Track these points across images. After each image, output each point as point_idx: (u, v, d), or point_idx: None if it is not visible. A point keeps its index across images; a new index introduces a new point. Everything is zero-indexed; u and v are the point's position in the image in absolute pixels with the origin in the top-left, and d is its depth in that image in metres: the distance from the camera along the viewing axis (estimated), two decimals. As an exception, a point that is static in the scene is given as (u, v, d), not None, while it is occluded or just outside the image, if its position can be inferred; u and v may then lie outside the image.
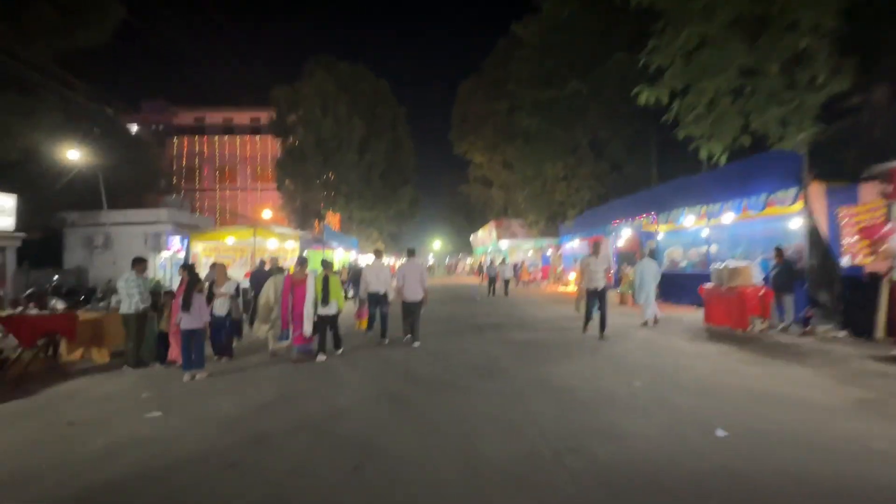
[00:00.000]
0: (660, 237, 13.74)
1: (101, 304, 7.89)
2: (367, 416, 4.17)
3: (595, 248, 7.84)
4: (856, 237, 7.31)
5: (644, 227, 14.44)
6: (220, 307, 6.43)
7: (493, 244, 27.58)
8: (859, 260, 7.33)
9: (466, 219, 42.49)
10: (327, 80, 24.93)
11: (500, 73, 25.12)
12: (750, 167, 9.22)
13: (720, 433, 3.49)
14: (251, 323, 9.48)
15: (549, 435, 3.59)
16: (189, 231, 15.87)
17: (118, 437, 3.85)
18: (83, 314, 6.99)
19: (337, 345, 7.02)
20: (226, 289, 6.50)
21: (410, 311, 7.64)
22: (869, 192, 7.24)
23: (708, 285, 8.64)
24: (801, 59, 6.75)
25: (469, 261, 42.84)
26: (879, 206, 7.03)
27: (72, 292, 10.79)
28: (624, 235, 15.79)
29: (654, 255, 12.04)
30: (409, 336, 7.62)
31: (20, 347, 6.23)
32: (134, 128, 29.10)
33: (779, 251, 7.97)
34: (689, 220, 11.57)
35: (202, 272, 8.79)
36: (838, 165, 8.45)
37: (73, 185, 16.73)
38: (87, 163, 15.56)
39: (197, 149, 37.07)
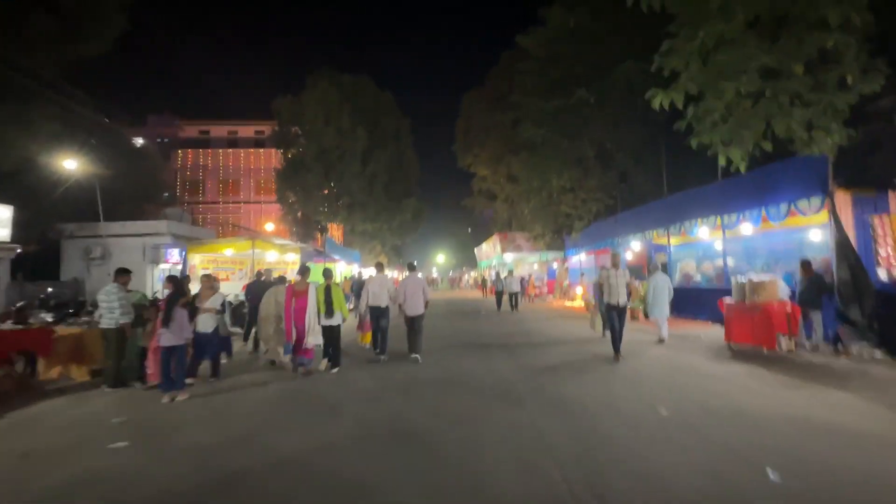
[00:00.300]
0: (672, 250, 13.24)
1: (84, 318, 7.44)
2: (359, 450, 3.67)
3: (615, 261, 7.38)
4: (892, 248, 6.81)
5: (655, 240, 13.95)
6: (205, 324, 5.95)
7: (498, 257, 27.10)
8: (896, 273, 6.82)
9: (470, 232, 42.12)
10: (330, 90, 24.80)
11: (504, 86, 24.97)
12: (770, 175, 8.78)
13: (772, 475, 2.97)
14: (245, 338, 9.05)
15: (571, 474, 3.08)
16: (188, 243, 15.54)
17: (74, 473, 3.37)
18: (62, 329, 6.56)
19: (334, 362, 6.62)
20: (210, 303, 6.04)
21: (413, 325, 7.46)
22: (902, 200, 6.77)
23: (728, 300, 8.10)
24: (827, 58, 6.33)
25: (473, 274, 42.32)
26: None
27: (60, 305, 10.38)
28: (633, 248, 15.28)
29: (666, 268, 11.54)
30: (414, 355, 7.31)
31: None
32: (139, 141, 29.09)
33: (806, 264, 7.45)
34: (703, 231, 11.09)
35: (197, 286, 8.38)
36: (864, 172, 7.99)
37: (72, 197, 16.47)
38: (85, 173, 15.32)
39: (201, 162, 37.11)
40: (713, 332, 9.07)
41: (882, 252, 6.99)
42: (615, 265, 7.28)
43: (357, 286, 14.04)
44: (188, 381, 5.70)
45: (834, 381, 5.36)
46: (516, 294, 16.46)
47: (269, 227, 29.62)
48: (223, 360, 7.03)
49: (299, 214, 26.75)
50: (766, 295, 7.43)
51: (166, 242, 17.46)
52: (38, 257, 16.22)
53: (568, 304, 19.04)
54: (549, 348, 8.24)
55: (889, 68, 6.28)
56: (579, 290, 18.07)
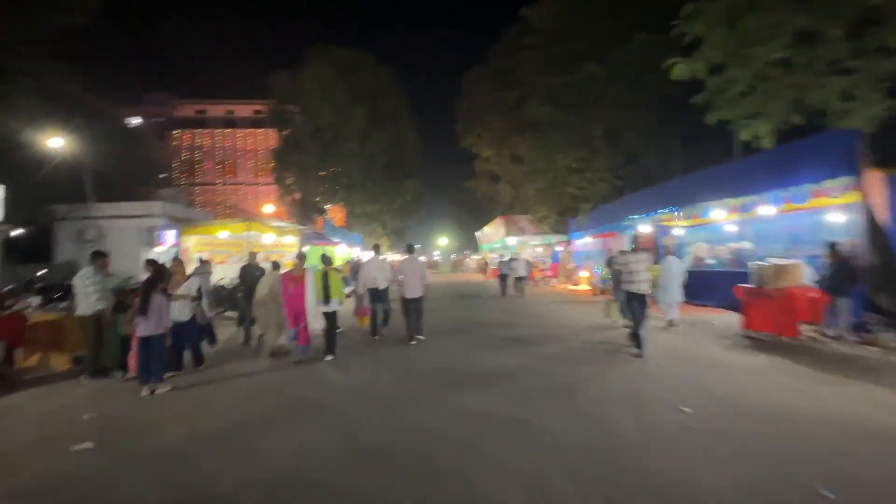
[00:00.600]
0: (682, 232, 12.72)
1: (63, 304, 7.04)
2: (347, 458, 3.25)
3: (637, 243, 6.61)
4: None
5: (663, 222, 13.40)
6: (180, 312, 5.51)
7: (501, 241, 26.61)
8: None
9: (472, 215, 41.49)
10: (325, 65, 23.86)
11: (508, 63, 24.03)
12: (792, 153, 8.16)
13: (825, 493, 2.55)
14: (240, 322, 8.66)
15: (593, 496, 2.64)
16: (183, 225, 15.08)
17: (29, 479, 3.01)
18: (38, 316, 6.17)
19: (330, 349, 6.29)
20: (184, 290, 5.60)
21: (411, 307, 7.30)
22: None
23: (746, 285, 7.64)
24: (869, 20, 5.72)
25: (475, 257, 41.86)
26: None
27: (46, 289, 9.97)
28: (642, 231, 14.74)
29: (677, 251, 11.04)
30: (413, 340, 7.22)
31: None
32: (134, 120, 28.35)
33: (833, 248, 6.94)
34: (718, 213, 10.54)
35: (190, 268, 7.93)
36: (897, 150, 7.41)
37: (63, 178, 15.95)
38: (74, 152, 14.78)
39: (198, 142, 36.36)
40: (727, 319, 8.62)
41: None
42: (636, 249, 6.45)
43: (357, 269, 13.67)
44: (169, 374, 5.30)
45: (869, 374, 4.93)
46: (523, 279, 15.97)
47: (269, 208, 29.11)
48: (211, 349, 6.67)
49: (297, 196, 26.18)
50: (789, 280, 6.96)
51: (160, 224, 17.03)
52: (30, 240, 15.81)
53: (571, 287, 18.61)
54: (559, 339, 7.73)
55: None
56: (584, 274, 17.62)
